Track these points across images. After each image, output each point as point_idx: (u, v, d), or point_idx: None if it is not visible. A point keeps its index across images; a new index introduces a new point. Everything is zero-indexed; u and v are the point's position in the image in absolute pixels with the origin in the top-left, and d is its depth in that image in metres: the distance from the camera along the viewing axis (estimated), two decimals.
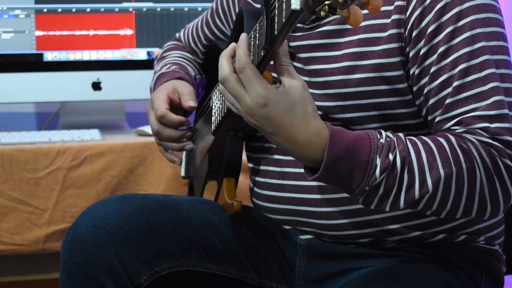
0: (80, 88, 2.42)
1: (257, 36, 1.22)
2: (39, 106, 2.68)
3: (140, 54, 2.46)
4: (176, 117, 1.55)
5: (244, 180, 1.76)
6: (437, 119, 1.28)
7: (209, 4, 2.42)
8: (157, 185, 2.19)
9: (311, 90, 1.36)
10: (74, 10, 2.39)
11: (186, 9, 2.46)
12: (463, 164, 1.23)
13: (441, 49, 1.26)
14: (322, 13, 1.02)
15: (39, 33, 2.38)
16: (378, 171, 1.20)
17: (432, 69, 1.27)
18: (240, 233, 1.48)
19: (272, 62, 1.21)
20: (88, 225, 1.36)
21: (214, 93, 1.55)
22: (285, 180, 1.44)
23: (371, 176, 1.20)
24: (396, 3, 1.29)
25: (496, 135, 1.24)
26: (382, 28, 1.30)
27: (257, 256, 1.47)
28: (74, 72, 2.41)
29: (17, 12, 2.37)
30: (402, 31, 1.29)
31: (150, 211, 1.40)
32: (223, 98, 1.37)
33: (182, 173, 1.87)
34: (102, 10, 2.41)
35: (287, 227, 1.48)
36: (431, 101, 1.28)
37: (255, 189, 1.51)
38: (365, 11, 1.05)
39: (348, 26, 1.32)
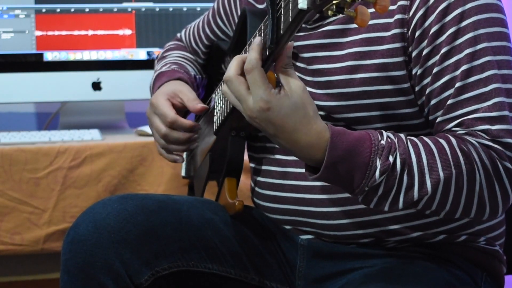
0: (80, 88, 2.42)
1: (262, 35, 1.22)
2: (39, 106, 2.68)
3: (140, 54, 2.46)
4: (187, 122, 1.55)
5: (244, 180, 1.76)
6: (439, 119, 1.28)
7: (209, 4, 2.43)
8: (157, 185, 2.19)
9: (313, 90, 1.36)
10: (74, 10, 2.39)
11: (184, 9, 2.45)
12: (463, 167, 1.23)
13: (443, 50, 1.26)
14: (330, 13, 1.01)
15: (39, 33, 2.38)
16: (378, 172, 1.21)
17: (435, 70, 1.27)
18: (241, 233, 1.48)
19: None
20: (89, 225, 1.36)
21: (216, 93, 1.55)
22: (286, 180, 1.44)
23: (371, 177, 1.21)
24: (400, 3, 1.29)
25: (497, 137, 1.24)
26: (385, 27, 1.30)
27: (257, 256, 1.47)
28: (74, 72, 2.41)
29: (17, 12, 2.37)
30: (405, 31, 1.29)
31: (151, 211, 1.40)
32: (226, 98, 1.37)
33: (183, 173, 1.87)
34: (102, 10, 2.41)
35: (287, 227, 1.48)
36: (433, 102, 1.29)
37: (257, 189, 1.51)
38: (370, 10, 1.05)
39: (351, 26, 1.32)
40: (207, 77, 1.78)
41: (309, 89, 1.36)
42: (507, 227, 1.49)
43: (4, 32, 2.36)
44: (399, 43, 1.29)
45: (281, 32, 1.13)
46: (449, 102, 1.26)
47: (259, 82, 1.18)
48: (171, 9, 2.45)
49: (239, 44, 1.49)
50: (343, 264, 1.42)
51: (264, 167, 1.49)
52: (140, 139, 2.26)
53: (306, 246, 1.45)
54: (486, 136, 1.25)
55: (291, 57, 1.19)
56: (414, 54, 1.29)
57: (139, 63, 2.46)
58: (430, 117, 1.31)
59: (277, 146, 1.41)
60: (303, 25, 1.38)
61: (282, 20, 1.13)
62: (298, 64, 1.39)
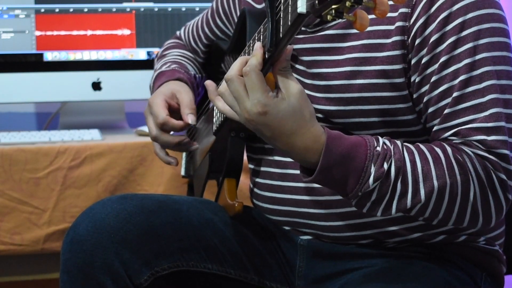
0: (80, 88, 2.42)
1: (261, 38, 1.22)
2: (39, 106, 2.67)
3: (140, 54, 2.46)
4: (177, 123, 1.55)
5: (244, 180, 1.76)
6: (435, 128, 1.29)
7: (208, 4, 2.43)
8: (157, 185, 2.19)
9: (313, 93, 1.36)
10: (73, 10, 2.39)
11: (183, 9, 2.45)
12: (458, 177, 1.24)
13: (442, 59, 1.26)
14: (329, 17, 1.01)
15: (39, 33, 2.38)
16: (372, 179, 1.21)
17: (433, 78, 1.27)
18: (240, 233, 1.48)
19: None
20: (88, 225, 1.36)
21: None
22: (285, 182, 1.44)
23: (364, 183, 1.21)
24: (401, 10, 1.28)
25: (492, 148, 1.25)
26: (386, 34, 1.30)
27: (257, 256, 1.47)
28: (74, 72, 2.41)
29: (17, 12, 2.37)
30: (406, 38, 1.29)
31: (150, 211, 1.40)
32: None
33: (182, 172, 1.87)
34: (102, 10, 2.41)
35: (287, 227, 1.47)
36: (430, 110, 1.29)
37: (255, 190, 1.51)
38: (371, 16, 1.05)
39: (352, 31, 1.32)
40: (207, 76, 1.78)
41: (308, 92, 1.36)
42: (507, 227, 1.49)
43: (4, 32, 2.36)
44: (399, 50, 1.29)
45: (280, 35, 1.13)
46: (446, 111, 1.27)
47: (256, 85, 1.17)
48: (170, 9, 2.45)
49: (238, 44, 1.49)
50: (342, 264, 1.42)
51: (263, 168, 1.49)
52: (140, 139, 2.26)
53: (306, 246, 1.45)
54: (481, 147, 1.25)
55: (289, 60, 1.19)
56: (413, 61, 1.29)
57: (139, 63, 2.46)
58: (427, 125, 1.31)
59: None
60: (304, 28, 1.38)
61: (281, 24, 1.13)
62: (297, 66, 1.39)
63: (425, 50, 1.27)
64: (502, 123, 1.25)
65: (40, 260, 2.21)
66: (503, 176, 1.25)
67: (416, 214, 1.26)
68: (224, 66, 1.64)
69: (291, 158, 1.24)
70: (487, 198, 1.26)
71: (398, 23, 1.28)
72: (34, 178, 2.13)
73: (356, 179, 1.21)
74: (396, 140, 1.26)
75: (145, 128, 2.32)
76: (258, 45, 1.19)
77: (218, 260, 1.44)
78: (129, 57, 2.45)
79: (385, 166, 1.21)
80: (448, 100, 1.26)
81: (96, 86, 2.43)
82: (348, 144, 1.21)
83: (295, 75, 1.36)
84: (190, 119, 1.54)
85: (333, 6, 1.00)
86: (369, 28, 1.29)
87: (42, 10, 2.37)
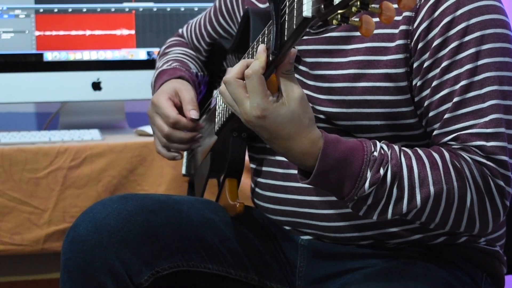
0: (80, 88, 2.42)
1: (265, 40, 1.22)
2: (39, 106, 2.68)
3: (140, 54, 2.46)
4: (189, 123, 1.55)
5: (245, 180, 1.76)
6: (435, 132, 1.29)
7: (207, 4, 2.43)
8: (157, 185, 2.19)
9: (315, 95, 1.36)
10: (73, 10, 2.39)
11: (182, 9, 2.45)
12: (455, 183, 1.24)
13: (444, 64, 1.26)
14: (334, 22, 1.01)
15: (39, 33, 2.38)
16: (367, 184, 1.21)
17: (434, 83, 1.27)
18: (241, 233, 1.48)
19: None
20: (89, 225, 1.36)
21: (218, 93, 1.54)
22: (287, 182, 1.44)
23: (360, 188, 1.22)
24: (405, 14, 1.28)
25: (491, 154, 1.25)
26: (390, 38, 1.30)
27: (257, 256, 1.47)
28: (74, 72, 2.41)
29: (17, 12, 2.37)
30: (409, 42, 1.28)
31: (151, 211, 1.40)
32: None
33: (183, 171, 1.87)
34: (102, 10, 2.41)
35: (287, 227, 1.47)
36: (431, 114, 1.29)
37: (257, 190, 1.51)
38: (375, 19, 1.05)
39: (356, 33, 1.32)
40: (209, 74, 1.78)
41: (310, 93, 1.36)
42: (507, 228, 1.49)
43: (4, 32, 2.36)
44: (402, 54, 1.29)
45: (285, 38, 1.13)
46: (446, 116, 1.27)
47: (257, 89, 1.17)
48: (169, 9, 2.45)
49: (241, 44, 1.49)
50: (343, 264, 1.42)
51: (265, 168, 1.49)
52: (140, 139, 2.26)
53: (306, 246, 1.45)
54: (480, 152, 1.25)
55: (293, 63, 1.19)
56: (415, 65, 1.29)
57: (139, 63, 2.46)
58: (428, 129, 1.31)
59: None
60: (307, 29, 1.37)
61: (286, 27, 1.13)
62: (300, 67, 1.38)
63: (427, 54, 1.27)
64: (502, 129, 1.25)
65: (40, 260, 2.21)
66: (501, 183, 1.26)
67: (412, 218, 1.26)
68: (226, 65, 1.64)
69: (288, 160, 1.25)
70: (484, 204, 1.26)
71: (402, 27, 1.28)
72: (34, 178, 2.13)
73: (352, 183, 1.21)
74: (394, 145, 1.26)
75: (145, 128, 2.32)
76: (261, 48, 1.19)
77: (218, 260, 1.44)
78: (129, 57, 2.45)
79: (381, 171, 1.22)
80: (449, 105, 1.26)
81: (96, 86, 2.43)
82: (345, 149, 1.21)
83: (297, 76, 1.37)
84: (192, 114, 1.54)
85: (339, 11, 1.00)
86: (375, 31, 1.29)
87: (42, 10, 2.37)
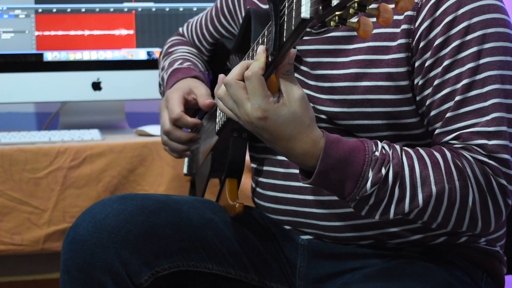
0: (80, 88, 2.42)
1: (265, 41, 1.22)
2: (39, 106, 2.67)
3: (140, 54, 2.46)
4: (190, 120, 1.55)
5: (245, 180, 1.76)
6: (437, 131, 1.29)
7: (206, 4, 2.43)
8: (157, 185, 2.19)
9: (316, 94, 1.36)
10: (73, 10, 2.39)
11: (181, 9, 2.45)
12: (456, 182, 1.24)
13: (446, 62, 1.26)
14: (332, 23, 1.01)
15: (39, 33, 2.38)
16: (369, 184, 1.22)
17: (436, 82, 1.27)
18: (241, 233, 1.48)
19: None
20: (89, 225, 1.36)
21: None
22: (288, 181, 1.44)
23: (362, 188, 1.22)
24: (406, 13, 1.28)
25: (493, 153, 1.25)
26: (392, 37, 1.30)
27: (257, 256, 1.47)
28: (74, 72, 2.41)
29: (17, 12, 2.37)
30: (410, 41, 1.29)
31: (151, 211, 1.40)
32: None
33: (185, 170, 1.88)
34: (102, 10, 2.41)
35: (288, 227, 1.48)
36: (432, 113, 1.29)
37: (258, 189, 1.51)
38: (374, 19, 1.05)
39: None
40: (212, 74, 1.79)
41: (312, 93, 1.36)
42: (508, 228, 1.49)
43: (4, 32, 2.36)
44: (404, 53, 1.29)
45: (284, 39, 1.13)
46: (448, 114, 1.27)
47: (258, 90, 1.17)
48: (170, 10, 2.45)
49: (243, 44, 1.49)
50: (343, 264, 1.42)
51: (266, 168, 1.49)
52: (140, 139, 2.26)
53: (307, 246, 1.45)
54: (482, 151, 1.25)
55: (293, 64, 1.19)
56: (417, 64, 1.29)
57: (139, 63, 2.46)
58: (430, 128, 1.31)
59: None
60: (308, 29, 1.37)
61: (285, 28, 1.13)
62: (302, 67, 1.38)
63: (429, 54, 1.27)
64: (504, 128, 1.25)
65: (40, 260, 2.21)
66: (503, 181, 1.26)
67: (414, 217, 1.26)
68: (230, 64, 1.64)
69: (290, 160, 1.25)
70: (486, 203, 1.26)
71: (404, 26, 1.28)
72: (34, 178, 2.13)
73: (353, 183, 1.22)
74: (395, 145, 1.26)
75: (145, 128, 2.32)
76: (261, 49, 1.19)
77: (218, 260, 1.44)
78: (129, 57, 2.45)
79: (383, 171, 1.22)
80: (450, 103, 1.26)
81: (96, 86, 2.43)
82: (347, 149, 1.21)
83: (298, 76, 1.37)
84: (208, 102, 1.55)
85: (337, 13, 1.00)
86: (375, 31, 1.29)
87: (42, 10, 2.37)
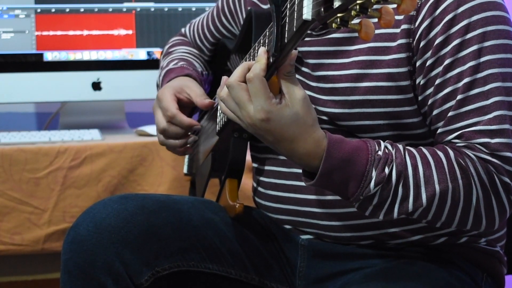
0: (80, 88, 2.42)
1: (266, 41, 1.22)
2: (39, 106, 2.67)
3: (140, 54, 2.46)
4: (186, 119, 1.55)
5: (245, 180, 1.76)
6: (439, 130, 1.29)
7: (205, 4, 2.43)
8: (157, 185, 2.19)
9: (318, 95, 1.36)
10: (73, 10, 2.39)
11: (180, 9, 2.45)
12: (460, 181, 1.24)
13: (447, 61, 1.26)
14: (334, 25, 1.01)
15: (39, 33, 2.38)
16: (373, 183, 1.22)
17: (437, 81, 1.27)
18: (241, 233, 1.48)
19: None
20: (89, 225, 1.36)
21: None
22: (290, 181, 1.44)
23: (366, 187, 1.22)
24: None
25: (496, 151, 1.25)
26: (392, 37, 1.30)
27: (257, 256, 1.47)
28: (74, 72, 2.41)
29: (17, 12, 2.37)
30: (411, 41, 1.29)
31: (151, 211, 1.40)
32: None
33: (185, 170, 1.88)
34: (101, 10, 2.41)
35: (288, 227, 1.48)
36: (434, 112, 1.29)
37: (259, 188, 1.51)
38: (374, 20, 1.05)
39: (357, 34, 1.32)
40: (212, 74, 1.79)
41: (313, 94, 1.36)
42: (508, 228, 1.49)
43: (4, 32, 2.36)
44: (404, 53, 1.29)
45: (285, 40, 1.13)
46: (450, 114, 1.27)
47: (260, 92, 1.17)
48: (170, 9, 2.45)
49: (244, 44, 1.49)
50: (343, 264, 1.42)
51: (267, 167, 1.49)
52: (140, 139, 2.26)
53: (307, 246, 1.45)
54: (485, 150, 1.25)
55: (294, 65, 1.19)
56: (418, 64, 1.29)
57: (139, 63, 2.46)
58: (432, 127, 1.31)
59: None
60: (309, 31, 1.37)
61: (286, 29, 1.13)
62: (303, 69, 1.38)
63: (429, 53, 1.27)
64: (507, 126, 1.25)
65: (40, 260, 2.21)
66: (507, 179, 1.26)
67: (418, 217, 1.26)
68: (230, 65, 1.64)
69: (293, 162, 1.24)
70: (490, 201, 1.26)
71: (404, 26, 1.28)
72: (34, 178, 2.13)
73: (357, 183, 1.22)
74: (398, 144, 1.26)
75: (145, 128, 2.32)
76: (262, 50, 1.19)
77: (218, 260, 1.44)
78: (129, 57, 2.45)
79: (387, 170, 1.22)
80: (452, 102, 1.26)
81: (96, 86, 2.43)
82: (349, 149, 1.22)
83: (300, 77, 1.37)
84: (208, 100, 1.55)
85: (339, 15, 1.00)
86: (376, 31, 1.29)
87: (42, 10, 2.37)
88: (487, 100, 1.25)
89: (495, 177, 1.25)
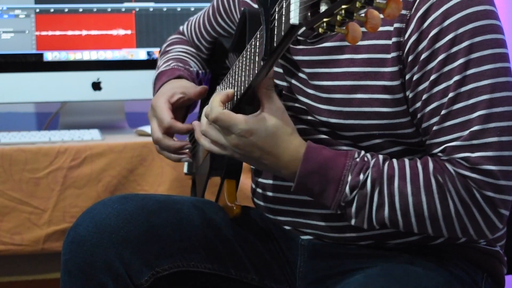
0: (80, 88, 2.42)
1: (257, 44, 1.23)
2: (39, 106, 2.68)
3: (140, 54, 2.46)
4: (182, 126, 1.54)
5: (244, 180, 1.76)
6: (427, 142, 1.30)
7: (204, 4, 2.43)
8: (157, 185, 2.19)
9: (315, 104, 1.36)
10: (73, 10, 2.39)
11: (179, 9, 2.45)
12: (435, 195, 1.26)
13: (433, 77, 1.26)
14: (321, 30, 1.01)
15: (39, 33, 2.38)
16: (348, 188, 1.26)
17: (424, 96, 1.27)
18: (241, 233, 1.48)
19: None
20: (89, 225, 1.36)
21: (218, 92, 1.54)
22: (288, 182, 1.44)
23: (343, 192, 1.27)
24: (395, 25, 1.28)
25: (476, 165, 1.24)
26: (386, 49, 1.29)
27: (257, 256, 1.47)
28: (74, 72, 2.41)
29: (17, 12, 2.37)
30: (401, 54, 1.28)
31: (151, 211, 1.40)
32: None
33: (185, 169, 1.88)
34: (102, 10, 2.41)
35: (288, 227, 1.48)
36: (423, 126, 1.29)
37: (258, 190, 1.51)
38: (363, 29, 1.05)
39: (348, 43, 1.32)
40: (211, 72, 1.79)
41: (310, 102, 1.37)
42: (508, 228, 1.49)
43: (4, 32, 2.36)
44: (397, 66, 1.29)
45: (275, 44, 1.15)
46: (434, 128, 1.27)
47: (230, 123, 1.27)
48: (170, 9, 2.45)
49: (240, 43, 1.50)
50: (343, 264, 1.42)
51: None
52: (140, 139, 2.26)
53: (307, 246, 1.45)
54: (465, 164, 1.25)
55: (273, 79, 1.26)
56: (407, 78, 1.28)
57: (139, 63, 2.46)
58: (423, 139, 1.31)
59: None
60: (303, 39, 1.38)
61: (275, 33, 1.14)
62: (300, 75, 1.38)
63: (416, 68, 1.27)
64: (492, 139, 1.24)
65: (40, 260, 2.21)
66: (489, 193, 1.25)
67: (404, 227, 1.29)
68: (229, 62, 1.64)
69: (281, 175, 1.31)
70: (473, 216, 1.26)
71: (394, 39, 1.28)
72: (34, 178, 2.13)
73: (335, 187, 1.27)
74: (379, 155, 1.29)
75: (145, 128, 2.32)
76: (215, 97, 1.31)
77: (218, 260, 1.44)
78: (129, 57, 2.45)
79: (361, 176, 1.26)
80: (437, 118, 1.26)
81: (96, 86, 2.43)
82: (328, 154, 1.28)
83: (297, 84, 1.37)
84: (200, 90, 1.58)
85: (325, 20, 1.00)
86: (368, 42, 1.29)
87: (42, 10, 2.37)
88: (471, 114, 1.24)
89: (475, 192, 1.25)
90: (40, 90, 2.39)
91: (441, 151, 1.27)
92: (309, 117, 1.37)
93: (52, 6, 2.38)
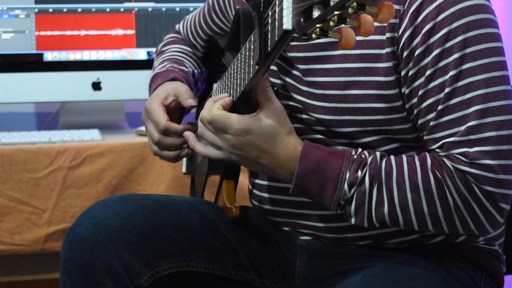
0: (80, 88, 2.42)
1: (252, 48, 1.23)
2: (39, 106, 2.68)
3: (140, 54, 2.46)
4: (179, 127, 1.55)
5: (244, 180, 1.76)
6: (425, 138, 1.29)
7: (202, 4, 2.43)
8: (157, 185, 2.19)
9: (310, 101, 1.36)
10: (73, 10, 2.39)
11: (177, 9, 2.45)
12: (434, 191, 1.25)
13: (428, 72, 1.25)
14: (314, 35, 1.01)
15: (39, 33, 2.38)
16: (346, 185, 1.25)
17: (420, 92, 1.27)
18: (240, 233, 1.48)
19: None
20: (89, 226, 1.36)
21: (215, 92, 1.55)
22: (284, 183, 1.44)
23: (341, 190, 1.26)
24: (390, 20, 1.27)
25: (475, 159, 1.24)
26: (379, 45, 1.28)
27: (257, 256, 1.47)
28: (74, 72, 2.41)
29: (17, 12, 2.37)
30: (395, 49, 1.28)
31: (151, 212, 1.40)
32: None
33: (184, 169, 1.88)
34: (102, 10, 2.41)
35: (286, 228, 1.48)
36: (420, 121, 1.29)
37: (255, 191, 1.51)
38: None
39: None
40: (208, 71, 1.79)
41: (304, 99, 1.36)
42: (507, 227, 1.49)
43: (4, 32, 2.36)
44: (391, 61, 1.28)
45: (269, 49, 1.15)
46: (431, 123, 1.27)
47: (225, 123, 1.27)
48: (169, 9, 2.45)
49: (234, 43, 1.50)
50: (342, 264, 1.42)
51: None
52: (140, 139, 2.26)
53: (306, 247, 1.45)
54: (464, 159, 1.25)
55: (268, 79, 1.26)
56: (402, 73, 1.28)
57: (139, 63, 2.46)
58: (420, 134, 1.31)
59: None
60: (297, 35, 1.37)
61: (269, 37, 1.14)
62: (294, 72, 1.38)
63: (411, 63, 1.26)
64: (490, 133, 1.24)
65: (40, 260, 2.22)
66: (489, 188, 1.25)
67: (404, 224, 1.29)
68: (225, 61, 1.64)
69: (279, 177, 1.31)
70: (473, 211, 1.26)
71: (388, 34, 1.27)
72: (34, 178, 2.13)
73: (333, 185, 1.26)
74: (377, 152, 1.28)
75: (145, 128, 2.32)
76: (208, 102, 1.31)
77: (218, 261, 1.44)
78: (129, 57, 2.45)
79: (359, 173, 1.26)
80: (434, 113, 1.26)
81: (96, 86, 2.43)
82: (325, 153, 1.27)
83: (291, 82, 1.37)
84: (190, 102, 1.58)
85: (317, 26, 1.00)
86: (362, 38, 1.28)
87: (42, 10, 2.37)
88: (467, 109, 1.24)
89: (474, 187, 1.25)
90: (40, 90, 2.39)
91: (439, 147, 1.27)
92: (304, 116, 1.37)
93: (52, 6, 2.38)
